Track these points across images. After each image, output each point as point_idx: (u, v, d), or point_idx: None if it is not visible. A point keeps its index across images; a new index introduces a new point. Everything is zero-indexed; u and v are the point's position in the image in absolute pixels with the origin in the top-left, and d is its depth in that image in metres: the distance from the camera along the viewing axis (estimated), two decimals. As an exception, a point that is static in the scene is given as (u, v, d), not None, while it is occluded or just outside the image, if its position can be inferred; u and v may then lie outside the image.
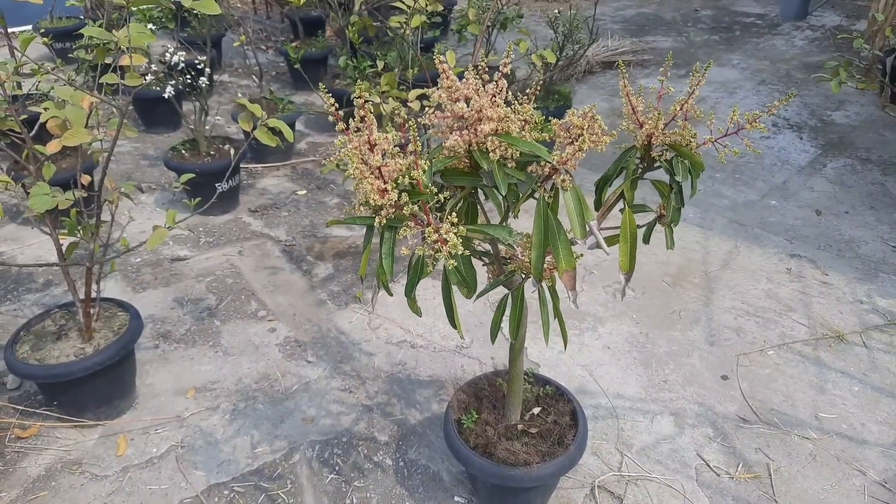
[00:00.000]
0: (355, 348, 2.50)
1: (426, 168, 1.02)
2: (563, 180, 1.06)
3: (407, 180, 1.02)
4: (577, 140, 1.04)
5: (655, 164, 1.36)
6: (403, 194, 1.05)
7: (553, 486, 1.85)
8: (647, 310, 2.67)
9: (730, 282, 2.85)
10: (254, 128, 1.79)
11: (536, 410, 1.78)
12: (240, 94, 4.84)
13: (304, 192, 3.61)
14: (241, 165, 3.61)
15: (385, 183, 1.05)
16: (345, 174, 1.11)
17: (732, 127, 1.35)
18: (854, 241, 3.12)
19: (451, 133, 1.11)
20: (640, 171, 1.36)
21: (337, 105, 1.11)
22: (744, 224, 3.27)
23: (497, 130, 1.07)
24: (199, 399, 2.27)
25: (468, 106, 1.09)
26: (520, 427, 1.73)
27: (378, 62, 2.93)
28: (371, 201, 1.06)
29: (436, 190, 1.04)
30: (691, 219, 3.32)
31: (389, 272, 1.14)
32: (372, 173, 1.05)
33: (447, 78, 1.09)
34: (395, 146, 1.14)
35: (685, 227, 3.25)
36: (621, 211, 1.36)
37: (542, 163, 1.09)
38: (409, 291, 1.21)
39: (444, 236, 0.99)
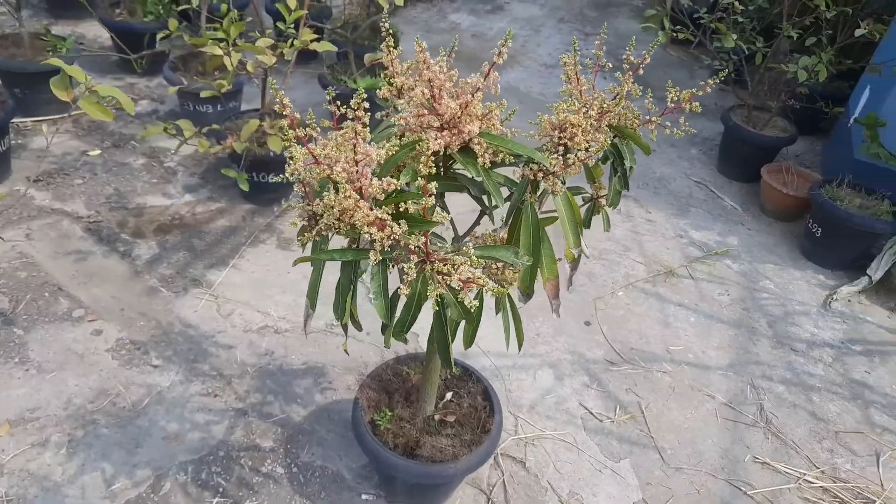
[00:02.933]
0: (209, 342, 2.18)
1: (434, 190, 0.81)
2: (556, 185, 0.94)
3: (412, 207, 0.81)
4: (571, 139, 0.92)
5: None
6: (401, 222, 0.84)
7: (464, 466, 1.82)
8: (508, 263, 2.69)
9: (572, 226, 2.98)
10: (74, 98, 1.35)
11: (449, 395, 1.71)
12: (-24, 23, 3.81)
13: (98, 151, 3.00)
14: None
15: (376, 209, 0.82)
16: (318, 201, 0.85)
17: (672, 105, 1.32)
18: (665, 179, 3.44)
19: (423, 131, 0.91)
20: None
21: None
22: (573, 167, 3.43)
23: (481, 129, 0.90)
24: (17, 435, 1.82)
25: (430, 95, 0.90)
26: (437, 417, 1.64)
27: (190, -3, 2.45)
28: (367, 235, 0.83)
29: (446, 215, 0.84)
30: (527, 164, 3.40)
31: (384, 314, 0.92)
32: (364, 199, 0.83)
33: (427, 69, 0.88)
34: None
35: (523, 173, 3.31)
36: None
37: (534, 166, 0.95)
38: (404, 331, 0.99)
39: (469, 276, 0.82)
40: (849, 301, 2.74)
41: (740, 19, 2.93)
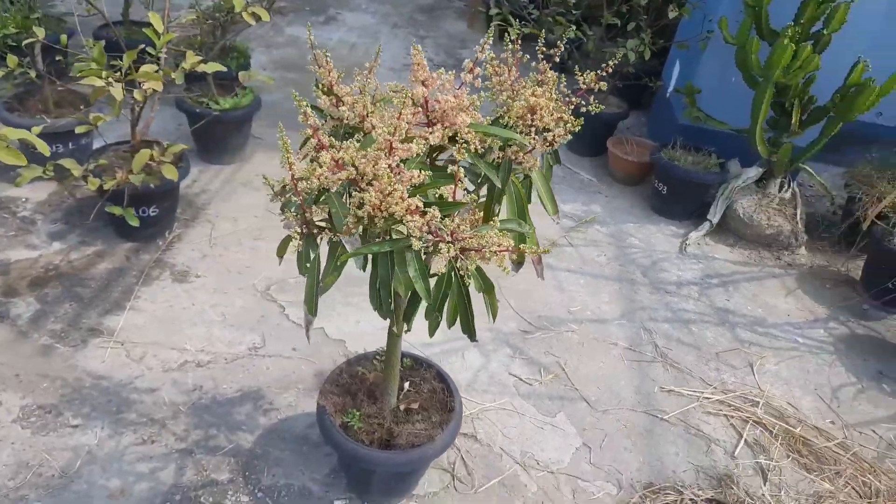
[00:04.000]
0: (128, 390, 2.05)
1: (463, 174, 0.89)
2: (534, 162, 1.07)
3: (445, 192, 0.89)
4: (541, 120, 1.05)
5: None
6: (433, 207, 0.92)
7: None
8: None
9: (458, 216, 3.16)
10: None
11: (407, 385, 1.78)
12: None
13: (-69, 211, 2.64)
14: None
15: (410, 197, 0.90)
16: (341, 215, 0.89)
17: (584, 87, 1.50)
18: (526, 162, 3.74)
19: (417, 127, 1.00)
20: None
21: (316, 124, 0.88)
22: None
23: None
24: (-69, 534, 1.60)
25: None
26: (402, 407, 1.71)
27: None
28: (409, 228, 0.89)
29: (474, 195, 0.93)
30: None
31: (426, 294, 0.99)
32: (404, 191, 0.89)
33: (422, 70, 0.96)
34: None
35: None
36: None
37: (516, 148, 1.07)
38: (438, 308, 1.05)
39: (502, 243, 0.92)
40: (698, 244, 3.19)
41: (574, 11, 3.28)
